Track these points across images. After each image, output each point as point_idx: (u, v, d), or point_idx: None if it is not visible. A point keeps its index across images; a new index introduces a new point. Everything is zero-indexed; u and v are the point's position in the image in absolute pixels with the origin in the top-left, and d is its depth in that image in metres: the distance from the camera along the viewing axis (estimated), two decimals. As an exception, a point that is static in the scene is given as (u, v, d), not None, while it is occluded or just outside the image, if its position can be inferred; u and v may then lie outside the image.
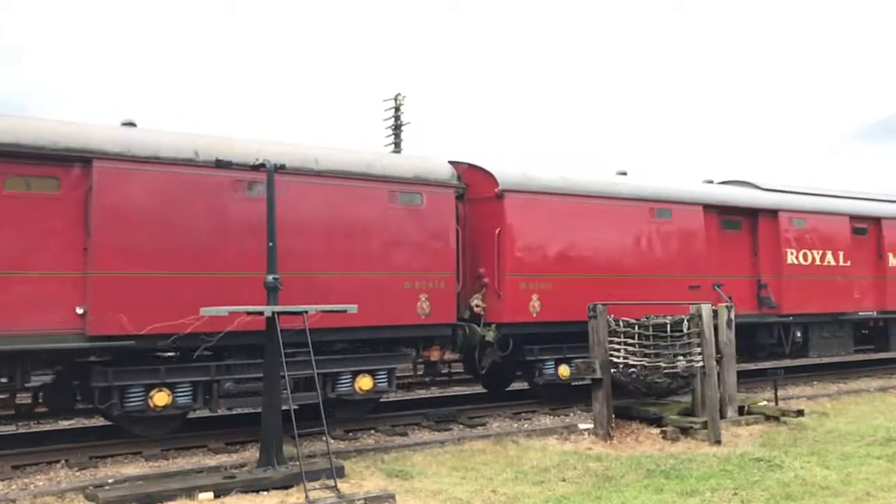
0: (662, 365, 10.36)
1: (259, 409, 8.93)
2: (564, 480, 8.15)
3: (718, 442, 9.97)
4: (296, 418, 7.79)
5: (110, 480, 8.12)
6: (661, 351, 10.39)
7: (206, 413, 12.26)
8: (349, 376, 10.53)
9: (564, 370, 12.26)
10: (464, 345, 11.79)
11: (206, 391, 9.72)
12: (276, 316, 8.03)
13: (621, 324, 10.50)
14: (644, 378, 10.63)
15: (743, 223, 15.04)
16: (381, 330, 10.68)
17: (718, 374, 10.80)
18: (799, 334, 15.50)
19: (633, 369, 10.43)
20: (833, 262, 15.75)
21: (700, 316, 10.51)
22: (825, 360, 17.87)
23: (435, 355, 11.30)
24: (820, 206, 16.06)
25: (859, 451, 9.36)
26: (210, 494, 7.42)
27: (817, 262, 15.49)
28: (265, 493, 7.63)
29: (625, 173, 14.24)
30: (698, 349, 10.43)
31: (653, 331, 10.43)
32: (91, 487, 7.76)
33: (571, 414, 12.48)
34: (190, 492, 7.38)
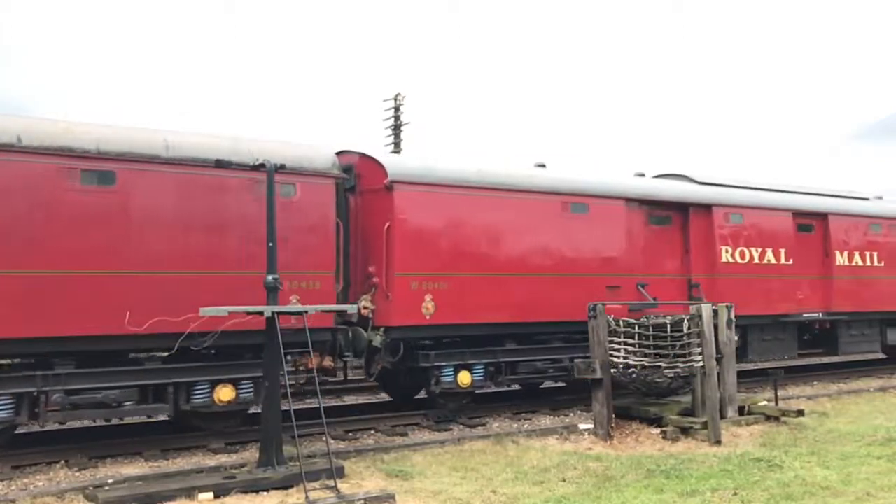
0: (662, 365, 10.35)
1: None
2: (564, 480, 8.14)
3: (718, 442, 9.96)
4: (295, 419, 7.79)
5: (110, 481, 8.12)
6: (660, 351, 10.38)
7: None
8: (206, 386, 9.59)
9: (465, 377, 11.44)
10: (348, 350, 10.81)
11: (33, 404, 8.75)
12: (275, 316, 8.03)
13: (621, 324, 10.49)
14: (644, 378, 10.63)
15: (673, 219, 14.06)
16: (244, 335, 9.17)
17: (718, 374, 10.80)
18: (737, 337, 14.11)
19: (633, 369, 10.43)
20: (774, 261, 14.79)
21: (700, 316, 10.50)
22: (763, 364, 16.14)
23: (313, 363, 9.79)
24: (760, 200, 15.09)
25: (859, 451, 9.35)
26: (210, 495, 7.41)
27: (756, 261, 14.52)
28: (265, 493, 7.63)
29: (543, 165, 13.26)
30: (698, 349, 10.42)
31: (653, 331, 10.42)
32: (91, 488, 7.76)
33: (571, 414, 12.48)
34: (190, 492, 7.37)
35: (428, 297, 10.97)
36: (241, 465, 8.57)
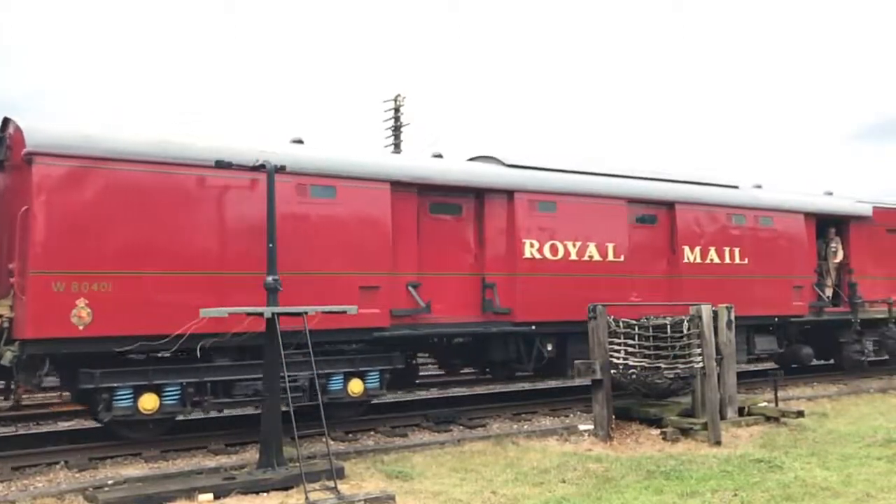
0: (662, 366, 10.35)
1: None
2: (564, 481, 8.14)
3: (718, 443, 9.96)
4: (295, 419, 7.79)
5: (110, 482, 8.11)
6: (660, 352, 10.38)
7: (206, 414, 12.31)
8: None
9: (149, 401, 9.08)
10: None
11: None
12: (275, 317, 8.04)
13: (622, 325, 10.50)
14: (644, 379, 10.63)
15: (464, 207, 11.79)
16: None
17: (718, 374, 10.80)
18: (550, 347, 12.29)
19: (632, 370, 10.43)
20: (598, 258, 12.48)
21: (700, 317, 10.50)
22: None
23: None
24: (581, 186, 12.64)
25: (859, 452, 9.35)
26: (210, 496, 7.41)
27: (573, 258, 12.20)
28: (265, 494, 7.63)
29: (301, 141, 10.96)
30: (698, 350, 10.42)
31: (652, 332, 10.42)
32: (90, 489, 7.76)
33: (571, 415, 12.48)
34: (189, 493, 7.37)
35: (81, 303, 8.55)
36: (240, 466, 8.58)
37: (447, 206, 11.72)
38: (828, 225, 16.31)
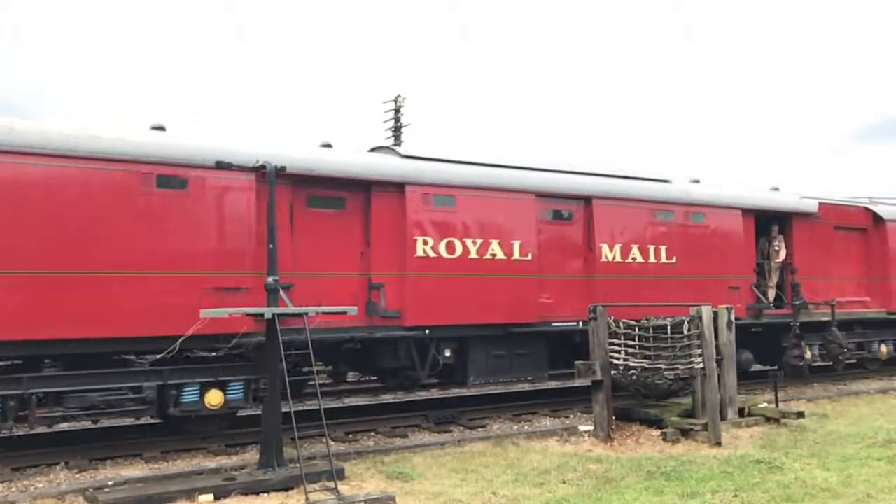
0: (662, 367, 10.35)
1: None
2: (565, 482, 8.14)
3: (719, 444, 9.96)
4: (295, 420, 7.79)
5: (110, 482, 8.12)
6: (661, 353, 10.38)
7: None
8: None
9: None
10: None
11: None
12: (276, 318, 8.04)
13: (622, 325, 10.50)
14: (644, 380, 10.62)
15: (349, 201, 10.76)
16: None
17: (719, 375, 10.79)
18: (448, 353, 11.44)
19: (633, 371, 10.42)
20: (503, 256, 11.57)
21: (700, 318, 10.50)
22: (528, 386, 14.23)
23: None
24: (484, 179, 11.69)
25: (860, 453, 9.35)
26: (210, 496, 7.41)
27: (473, 256, 11.32)
28: (265, 494, 7.63)
29: (162, 128, 9.89)
30: (698, 351, 10.42)
31: (653, 332, 10.42)
32: (91, 489, 7.75)
33: (572, 416, 12.48)
34: (190, 494, 7.37)
35: None
36: (241, 466, 8.58)
37: (328, 200, 10.67)
38: (770, 222, 15.48)
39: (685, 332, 10.40)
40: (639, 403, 11.75)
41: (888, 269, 16.72)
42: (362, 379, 14.12)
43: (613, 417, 10.61)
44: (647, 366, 10.34)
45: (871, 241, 16.86)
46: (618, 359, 10.40)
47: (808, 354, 15.17)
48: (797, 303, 14.96)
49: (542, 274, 12.08)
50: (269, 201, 8.73)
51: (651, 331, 10.43)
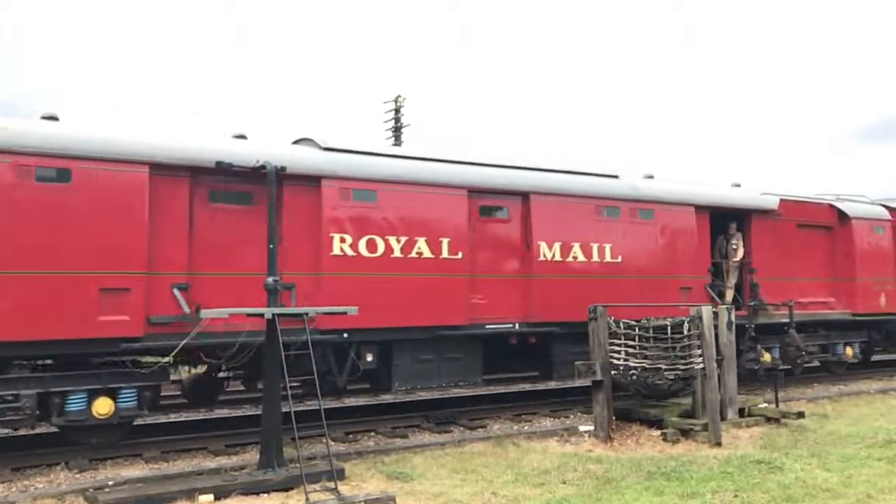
0: (663, 367, 10.35)
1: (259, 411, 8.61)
2: (565, 482, 8.14)
3: (719, 444, 9.96)
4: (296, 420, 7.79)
5: (110, 482, 8.12)
6: (661, 353, 10.38)
7: (205, 415, 12.32)
8: None
9: None
10: None
11: None
12: (276, 318, 8.04)
13: (622, 326, 10.50)
14: (644, 380, 10.62)
15: (257, 196, 9.98)
16: None
17: (719, 375, 10.79)
18: (370, 357, 10.77)
19: (633, 371, 10.42)
20: (430, 255, 10.94)
21: (700, 318, 10.50)
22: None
23: None
24: (409, 173, 11.02)
25: (860, 453, 9.35)
26: (210, 496, 7.41)
27: (396, 254, 10.67)
28: (265, 495, 7.63)
29: (54, 118, 9.35)
30: (699, 351, 10.42)
31: (653, 333, 10.42)
32: (91, 489, 7.75)
33: (572, 416, 12.48)
34: (190, 494, 7.37)
35: None
36: (241, 466, 8.57)
37: (234, 195, 9.97)
38: (728, 220, 14.79)
39: (685, 332, 10.40)
40: (639, 403, 11.76)
41: (854, 269, 16.01)
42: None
43: (613, 417, 10.61)
44: (647, 366, 10.34)
45: (836, 239, 16.22)
46: (618, 359, 10.40)
47: (765, 357, 14.45)
48: (753, 304, 14.33)
49: (475, 273, 11.47)
50: (269, 201, 8.71)
51: (651, 331, 10.43)
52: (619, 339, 10.46)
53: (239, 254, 9.86)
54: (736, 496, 7.48)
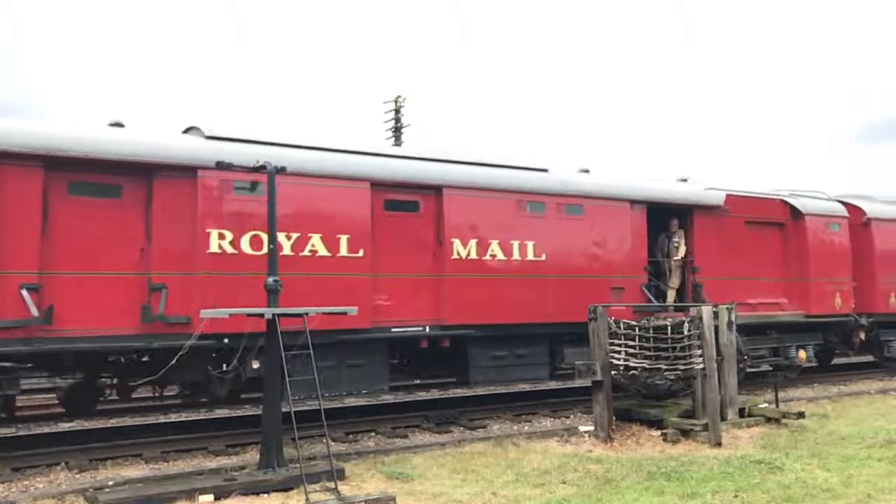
0: (663, 367, 10.35)
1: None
2: (565, 483, 8.14)
3: (719, 444, 9.96)
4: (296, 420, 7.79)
5: (110, 483, 8.13)
6: (661, 353, 10.38)
7: (205, 415, 12.33)
8: None
9: None
10: None
11: None
12: (276, 318, 8.04)
13: (622, 326, 10.50)
14: (644, 379, 10.62)
15: (126, 189, 9.26)
16: None
17: (719, 375, 10.79)
18: (257, 366, 9.70)
19: (633, 371, 10.42)
20: (326, 252, 10.21)
21: (700, 318, 10.50)
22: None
23: None
24: (302, 164, 10.08)
25: (860, 454, 9.35)
26: (210, 497, 7.41)
27: (286, 252, 9.86)
28: (265, 495, 7.63)
29: None
30: (699, 351, 10.42)
31: (653, 332, 10.42)
32: (91, 490, 7.75)
33: (572, 416, 12.48)
34: (190, 494, 7.37)
35: None
36: (241, 466, 8.58)
37: (97, 187, 9.13)
38: (671, 216, 14.10)
39: (685, 332, 10.40)
40: (639, 404, 11.76)
41: (807, 269, 15.25)
42: (156, 395, 11.93)
43: (613, 418, 10.61)
44: (647, 366, 10.34)
45: (789, 237, 15.46)
46: (618, 359, 10.40)
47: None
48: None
49: (379, 273, 10.67)
50: (269, 201, 8.70)
51: (651, 331, 10.43)
52: (620, 339, 10.45)
53: (102, 251, 9.06)
54: (736, 496, 7.48)
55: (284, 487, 7.73)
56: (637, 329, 10.45)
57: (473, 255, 11.44)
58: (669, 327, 10.40)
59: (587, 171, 13.74)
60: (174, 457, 9.57)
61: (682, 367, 10.40)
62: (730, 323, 11.13)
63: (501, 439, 10.37)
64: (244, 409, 12.64)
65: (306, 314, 8.23)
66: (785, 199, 15.70)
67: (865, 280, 16.48)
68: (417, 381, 13.59)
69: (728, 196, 14.57)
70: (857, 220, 16.65)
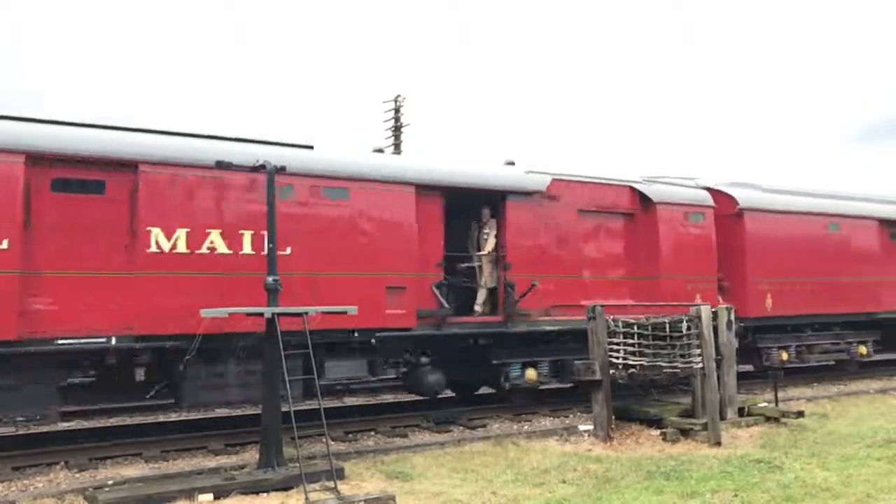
0: (662, 365, 10.35)
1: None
2: (565, 482, 8.14)
3: (718, 443, 9.96)
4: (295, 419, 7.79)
5: (110, 482, 8.13)
6: (659, 351, 10.38)
7: (205, 414, 12.33)
8: None
9: None
10: None
11: None
12: (276, 317, 8.04)
13: (620, 325, 10.50)
14: (644, 376, 10.62)
15: None
16: None
17: (718, 375, 10.79)
18: None
19: (632, 370, 10.42)
20: None
21: (699, 317, 10.51)
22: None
23: None
24: None
25: (859, 453, 9.35)
26: (210, 496, 7.42)
27: None
28: (265, 494, 7.63)
29: None
30: (697, 350, 10.42)
31: (652, 331, 10.43)
32: (91, 489, 7.76)
33: (571, 415, 12.48)
34: (190, 493, 7.37)
35: None
36: (241, 466, 8.58)
37: None
38: (482, 204, 12.19)
39: (684, 331, 10.41)
40: (638, 403, 11.76)
41: (659, 265, 13.15)
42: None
43: (613, 417, 10.61)
44: (646, 364, 10.33)
45: (638, 229, 13.33)
46: (617, 358, 10.40)
47: (530, 375, 12.17)
48: (510, 308, 11.71)
49: (37, 270, 8.57)
50: (269, 201, 8.70)
51: (650, 329, 10.43)
52: (618, 338, 10.44)
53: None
54: (735, 496, 7.48)
55: (284, 487, 7.74)
56: (636, 328, 10.45)
57: (182, 249, 9.30)
58: (668, 326, 10.41)
59: (381, 150, 12.37)
60: (174, 456, 9.57)
61: (681, 365, 10.41)
62: (729, 322, 11.13)
63: (501, 439, 10.38)
64: (244, 408, 12.64)
65: (306, 314, 8.23)
66: (633, 185, 13.49)
67: (736, 279, 14.45)
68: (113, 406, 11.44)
69: (555, 181, 12.37)
70: (728, 211, 14.52)
